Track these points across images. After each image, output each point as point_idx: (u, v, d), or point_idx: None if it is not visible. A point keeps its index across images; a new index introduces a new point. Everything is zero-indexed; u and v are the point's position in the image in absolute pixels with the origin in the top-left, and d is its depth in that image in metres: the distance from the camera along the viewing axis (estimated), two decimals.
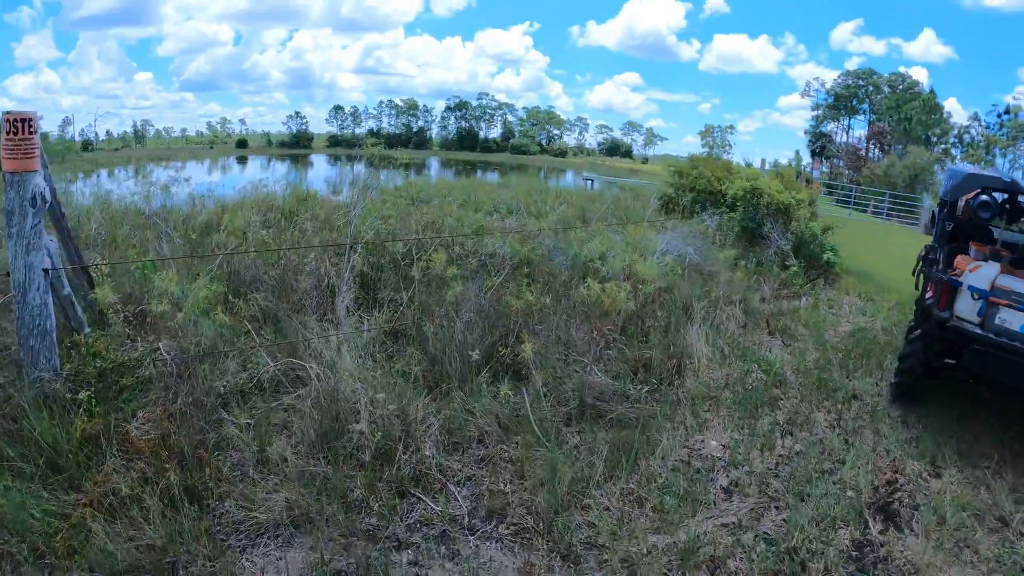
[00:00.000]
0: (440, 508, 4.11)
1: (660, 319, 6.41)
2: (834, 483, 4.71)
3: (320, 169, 50.93)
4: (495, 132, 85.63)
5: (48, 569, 3.52)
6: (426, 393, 5.02)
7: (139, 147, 77.32)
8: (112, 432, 4.26)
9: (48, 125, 70.34)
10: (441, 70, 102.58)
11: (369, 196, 8.55)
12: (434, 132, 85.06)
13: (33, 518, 3.68)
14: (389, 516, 4.02)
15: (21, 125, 4.43)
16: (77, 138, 72.78)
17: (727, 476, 4.75)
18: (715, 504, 4.40)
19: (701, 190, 14.24)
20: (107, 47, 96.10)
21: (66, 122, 74.59)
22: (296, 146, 78.75)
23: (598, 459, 4.55)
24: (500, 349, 5.42)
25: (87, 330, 5.29)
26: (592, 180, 34.62)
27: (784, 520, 4.27)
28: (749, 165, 17.16)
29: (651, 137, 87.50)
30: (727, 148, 74.86)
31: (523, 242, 7.90)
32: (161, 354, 5.08)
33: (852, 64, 77.38)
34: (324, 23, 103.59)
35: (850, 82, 63.22)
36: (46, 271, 4.62)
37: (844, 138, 62.71)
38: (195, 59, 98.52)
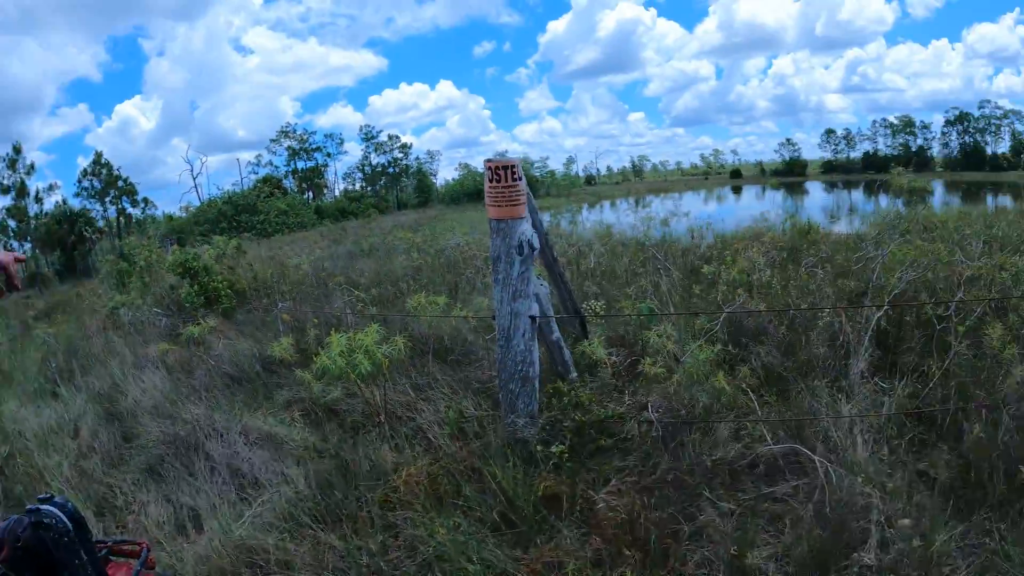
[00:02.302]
0: None
1: None
2: None
3: (816, 197, 49.25)
4: (1004, 146, 74.35)
5: None
6: (957, 517, 3.60)
7: (637, 180, 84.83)
8: (576, 497, 3.89)
9: (554, 164, 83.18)
10: (932, 79, 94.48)
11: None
12: (935, 150, 76.79)
13: (470, 562, 3.49)
14: None
15: (504, 172, 4.34)
16: (581, 174, 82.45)
17: None
18: None
19: None
20: (598, 93, 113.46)
21: (570, 160, 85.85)
22: (789, 174, 78.18)
23: None
24: None
25: (574, 375, 5.05)
26: None
27: None
28: None
29: None
30: None
31: None
32: (648, 414, 4.59)
33: None
34: (801, 45, 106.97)
35: None
36: (533, 318, 4.50)
37: None
38: (681, 96, 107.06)
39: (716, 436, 4.39)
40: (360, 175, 69.25)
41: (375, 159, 69.00)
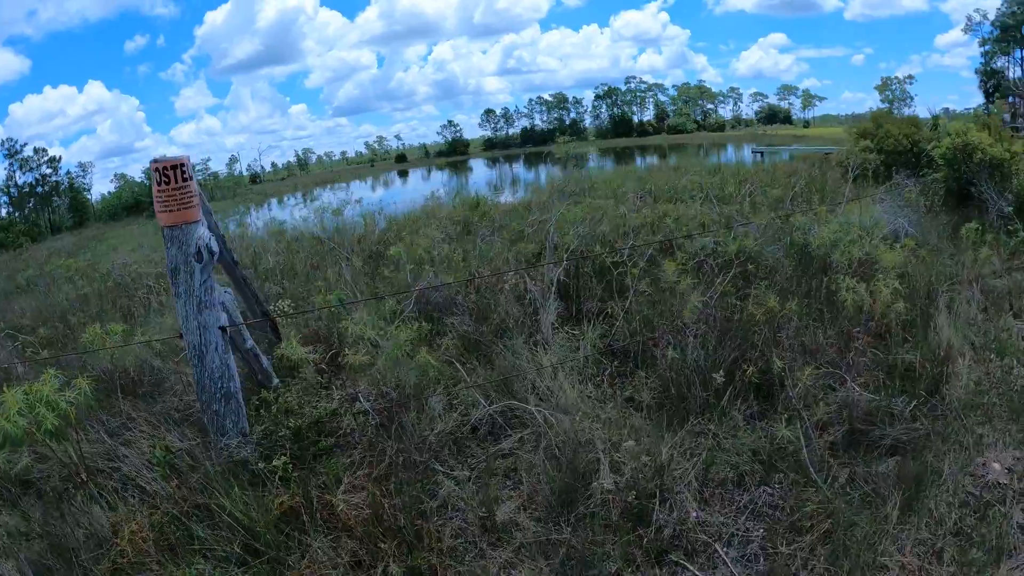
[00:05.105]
0: None
1: (904, 312, 5.15)
2: None
3: (480, 172, 51.83)
4: (648, 115, 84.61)
5: None
6: (669, 429, 4.05)
7: (303, 174, 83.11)
8: (314, 505, 3.59)
9: (216, 164, 79.19)
10: (583, 60, 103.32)
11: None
12: (587, 122, 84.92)
13: None
14: None
15: (173, 172, 3.85)
16: (245, 173, 79.35)
17: (1022, 510, 3.55)
18: (1015, 549, 3.27)
19: (890, 151, 12.91)
20: (258, 87, 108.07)
21: (232, 160, 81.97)
22: (453, 154, 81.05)
23: (886, 502, 3.47)
24: (745, 367, 4.40)
25: (276, 382, 4.77)
26: (761, 153, 33.80)
27: None
28: (936, 117, 15.61)
29: (809, 99, 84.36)
30: (908, 101, 69.69)
31: (736, 235, 6.86)
32: (360, 403, 4.46)
33: None
34: (459, 32, 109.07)
35: (1015, 9, 54.50)
36: (223, 329, 4.07)
37: (1018, 72, 55.16)
38: (343, 86, 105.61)
39: (431, 411, 4.41)
40: (6, 198, 60.99)
41: (20, 178, 60.82)
